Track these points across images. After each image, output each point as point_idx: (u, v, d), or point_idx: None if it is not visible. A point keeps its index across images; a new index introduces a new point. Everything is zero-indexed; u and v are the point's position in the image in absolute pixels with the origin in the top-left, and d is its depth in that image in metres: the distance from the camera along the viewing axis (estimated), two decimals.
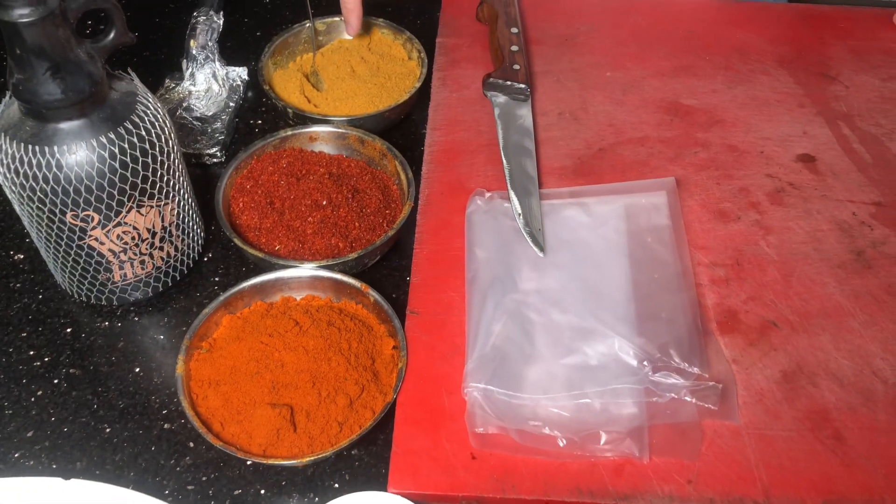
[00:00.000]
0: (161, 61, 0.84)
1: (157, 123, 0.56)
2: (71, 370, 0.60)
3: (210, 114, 0.77)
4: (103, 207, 0.55)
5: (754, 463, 0.51)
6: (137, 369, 0.60)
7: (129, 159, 0.54)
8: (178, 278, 0.64)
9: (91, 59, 0.53)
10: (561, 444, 0.50)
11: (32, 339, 0.61)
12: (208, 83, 0.79)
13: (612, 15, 0.84)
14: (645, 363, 0.53)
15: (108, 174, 0.53)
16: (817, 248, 0.63)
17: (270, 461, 0.51)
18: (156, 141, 0.56)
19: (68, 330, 0.62)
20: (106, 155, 0.53)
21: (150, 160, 0.55)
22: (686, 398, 0.52)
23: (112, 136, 0.53)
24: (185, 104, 0.78)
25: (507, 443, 0.51)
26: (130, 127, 0.54)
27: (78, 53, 0.51)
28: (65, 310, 0.63)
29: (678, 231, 0.62)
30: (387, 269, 0.65)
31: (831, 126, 0.73)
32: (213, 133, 0.75)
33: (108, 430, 0.57)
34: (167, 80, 0.80)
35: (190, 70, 0.79)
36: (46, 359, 0.60)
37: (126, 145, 0.54)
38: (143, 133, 0.55)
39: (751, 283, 0.61)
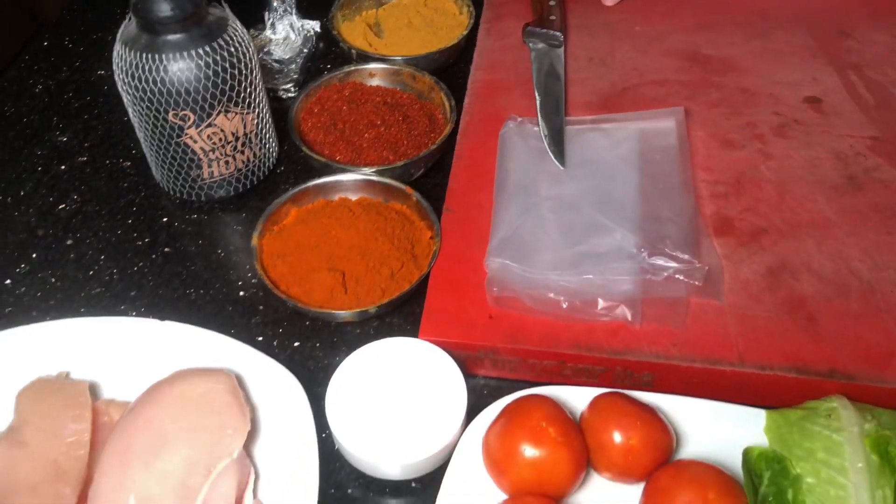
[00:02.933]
0: (248, 11, 0.97)
1: (242, 45, 0.68)
2: (165, 249, 0.72)
3: (286, 57, 0.90)
4: (198, 108, 0.67)
5: (733, 335, 0.59)
6: (219, 251, 0.72)
7: (219, 69, 0.66)
8: (255, 182, 0.76)
9: None
10: (564, 307, 0.60)
11: (136, 225, 0.74)
12: (286, 32, 0.92)
13: None
14: (643, 250, 0.62)
15: (202, 80, 0.66)
16: (813, 172, 0.71)
17: (325, 310, 0.62)
18: (241, 58, 0.68)
19: (164, 219, 0.75)
20: (202, 64, 0.66)
21: (236, 72, 0.68)
22: (677, 276, 0.61)
23: (207, 48, 0.66)
24: (265, 49, 0.90)
25: (519, 306, 0.61)
26: (222, 43, 0.67)
27: None
28: (161, 205, 0.76)
29: (684, 152, 0.71)
30: (429, 182, 0.76)
31: (840, 74, 0.80)
32: (288, 73, 0.87)
33: (193, 295, 0.69)
34: (251, 30, 0.92)
35: (271, 20, 0.91)
36: (147, 240, 0.73)
37: (218, 58, 0.66)
38: (232, 50, 0.67)
39: (747, 198, 0.69)
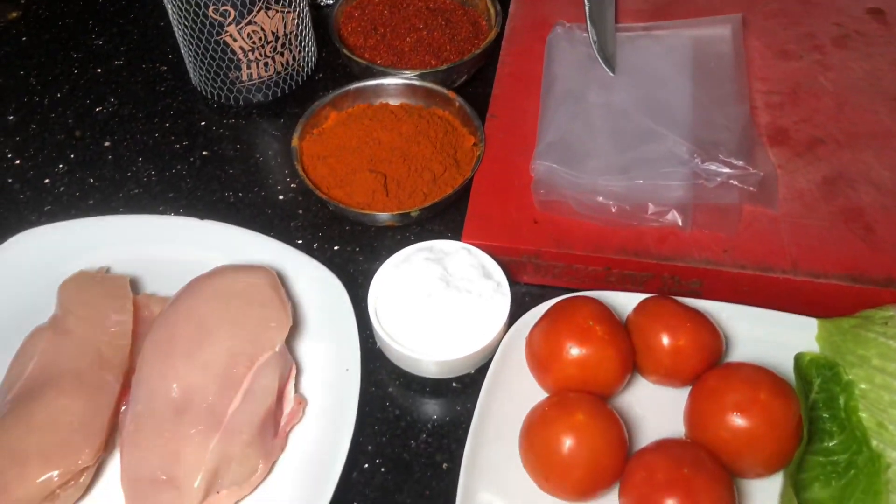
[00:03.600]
0: None
1: None
2: (203, 153, 0.71)
3: None
4: (238, 3, 0.65)
5: (787, 243, 0.57)
6: (258, 155, 0.71)
7: None
8: (294, 87, 0.74)
9: None
10: (613, 211, 0.58)
11: (173, 128, 0.73)
12: None
13: None
14: (696, 156, 0.60)
15: None
16: (874, 84, 0.68)
17: (366, 212, 0.61)
18: None
19: (202, 123, 0.74)
20: None
21: None
22: (731, 182, 0.59)
23: None
24: None
25: (565, 210, 0.59)
26: None
27: None
28: (199, 109, 0.75)
29: (739, 61, 0.68)
30: (473, 89, 0.74)
31: None
32: None
33: (232, 198, 0.68)
34: None
35: None
36: (184, 143, 0.72)
37: None
38: None
39: (804, 108, 0.66)
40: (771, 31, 0.73)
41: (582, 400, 0.49)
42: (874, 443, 0.48)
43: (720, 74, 0.67)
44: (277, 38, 0.69)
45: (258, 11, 0.66)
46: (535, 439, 0.48)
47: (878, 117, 0.65)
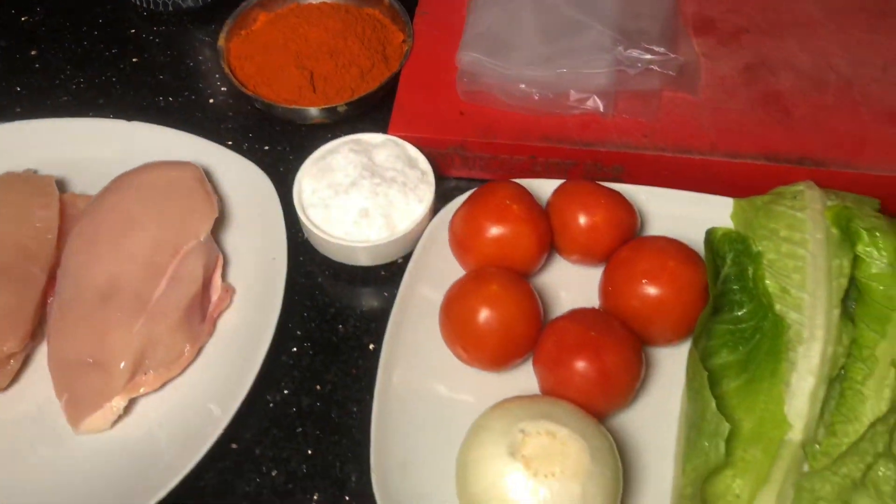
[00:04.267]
0: None
1: None
2: (133, 59, 0.71)
3: None
4: None
5: (706, 126, 0.58)
6: (188, 61, 0.70)
7: None
8: None
9: None
10: (535, 98, 0.59)
11: (102, 36, 0.72)
12: None
13: None
14: (619, 44, 0.60)
15: None
16: None
17: (293, 107, 0.61)
18: None
19: (131, 31, 0.73)
20: None
21: None
22: (651, 68, 0.59)
23: None
24: None
25: (490, 100, 0.60)
26: None
27: None
28: (128, 17, 0.74)
29: None
30: None
31: None
32: None
33: (162, 102, 0.68)
34: None
35: None
36: (114, 50, 0.71)
37: None
38: None
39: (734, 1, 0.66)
40: None
41: (497, 273, 0.50)
42: (777, 307, 0.50)
43: None
44: None
45: None
46: (453, 312, 0.49)
47: (803, 6, 0.65)
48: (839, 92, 0.60)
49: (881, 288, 0.48)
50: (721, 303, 0.51)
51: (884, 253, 0.49)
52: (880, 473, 0.41)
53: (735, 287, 0.52)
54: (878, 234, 0.49)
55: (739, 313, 0.51)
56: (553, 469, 0.41)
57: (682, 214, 0.56)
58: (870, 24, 0.64)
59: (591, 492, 0.40)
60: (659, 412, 0.49)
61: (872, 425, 0.42)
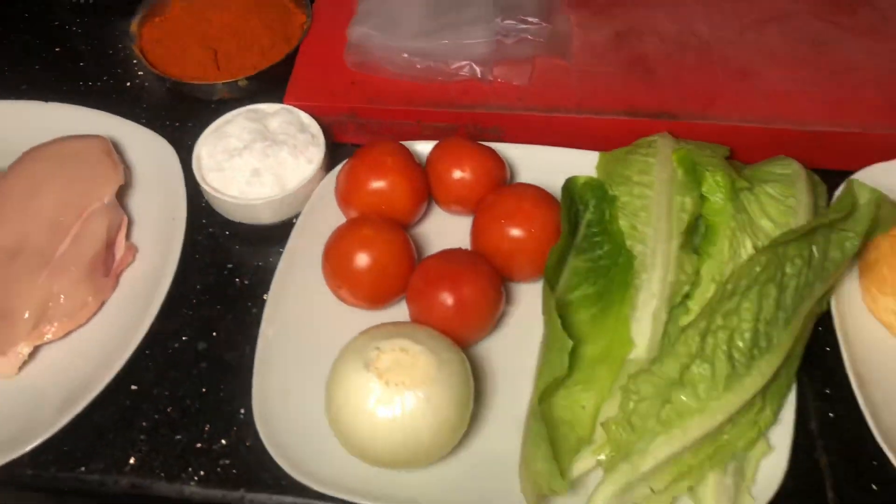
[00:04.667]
0: None
1: None
2: (56, 49, 0.75)
3: None
4: None
5: (575, 88, 0.64)
6: (109, 50, 0.75)
7: None
8: None
9: None
10: (418, 67, 0.64)
11: (28, 29, 0.77)
12: None
13: None
14: (498, 17, 0.66)
15: None
16: None
17: (197, 82, 0.66)
18: None
19: (55, 23, 0.78)
20: None
21: None
22: (526, 37, 0.65)
23: None
24: None
25: (380, 70, 0.65)
26: None
27: None
28: (54, 11, 0.79)
29: None
30: None
31: None
32: None
33: (83, 87, 0.72)
34: None
35: None
36: (38, 42, 0.76)
37: None
38: None
39: None
40: None
41: (370, 220, 0.55)
42: (628, 243, 0.55)
43: None
44: None
45: None
46: (331, 256, 0.54)
47: None
48: (698, 53, 0.65)
49: (715, 219, 0.53)
50: (585, 244, 0.56)
51: (720, 190, 0.54)
52: (695, 372, 0.45)
53: (595, 230, 0.57)
54: (717, 174, 0.55)
55: (599, 252, 0.56)
56: (403, 379, 0.45)
57: (552, 168, 0.61)
58: None
59: (436, 397, 0.45)
60: (521, 340, 0.54)
61: (684, 329, 0.47)
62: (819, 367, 0.53)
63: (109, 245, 0.58)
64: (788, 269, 0.48)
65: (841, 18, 0.67)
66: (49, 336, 0.54)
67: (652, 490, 0.45)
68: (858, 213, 0.52)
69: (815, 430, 0.51)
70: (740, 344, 0.46)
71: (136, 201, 0.62)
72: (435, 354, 0.46)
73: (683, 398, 0.46)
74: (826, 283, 0.51)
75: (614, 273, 0.54)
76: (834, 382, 0.52)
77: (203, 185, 0.59)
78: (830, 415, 0.52)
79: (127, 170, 0.62)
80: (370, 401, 0.45)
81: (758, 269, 0.47)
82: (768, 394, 0.48)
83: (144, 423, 0.53)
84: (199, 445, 0.52)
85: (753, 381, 0.46)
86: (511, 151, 0.62)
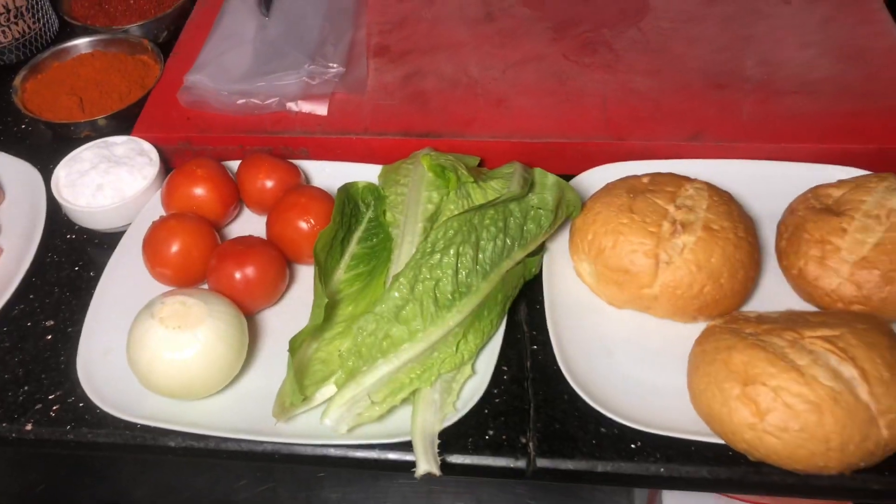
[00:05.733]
0: None
1: None
2: None
3: None
4: None
5: (365, 116, 0.80)
6: (5, 116, 0.91)
7: None
8: (40, 49, 0.94)
9: None
10: (239, 103, 0.80)
11: None
12: None
13: None
14: (308, 65, 0.82)
15: None
16: (461, 14, 0.91)
17: (66, 121, 0.81)
18: None
19: None
20: None
21: None
22: (326, 79, 0.81)
23: None
24: None
25: (210, 107, 0.80)
26: None
27: None
28: None
29: (360, 1, 0.91)
30: (173, 42, 0.95)
31: None
32: None
33: None
34: None
35: None
36: None
37: None
38: None
39: (405, 32, 0.89)
40: None
41: (180, 215, 0.69)
42: (391, 230, 0.70)
43: (344, 11, 0.90)
44: (10, 10, 0.90)
45: None
46: (148, 242, 0.68)
47: (456, 34, 0.88)
48: (466, 88, 0.82)
49: (449, 205, 0.68)
50: (365, 235, 0.70)
51: (453, 184, 0.69)
52: (407, 310, 0.60)
53: (373, 224, 0.72)
54: (455, 173, 0.70)
55: (374, 241, 0.71)
56: (179, 323, 0.59)
57: (347, 178, 0.76)
58: (499, 41, 0.87)
59: (205, 335, 0.59)
60: (302, 309, 0.67)
61: (396, 278, 0.61)
62: (535, 317, 0.68)
63: None
64: (484, 235, 0.63)
65: (583, 58, 0.85)
66: None
67: (372, 401, 0.59)
68: (545, 195, 0.67)
69: (528, 365, 0.66)
70: (444, 289, 0.61)
71: (7, 213, 0.76)
72: (207, 305, 0.60)
73: (396, 332, 0.60)
74: (525, 248, 0.66)
75: (381, 254, 0.69)
76: (544, 329, 0.67)
77: (58, 198, 0.74)
78: (537, 351, 0.66)
79: (0, 189, 0.77)
80: (153, 341, 0.59)
81: (451, 232, 0.62)
82: (470, 330, 0.62)
83: None
84: (37, 396, 0.65)
85: (453, 317, 0.61)
86: (313, 166, 0.78)
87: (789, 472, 0.57)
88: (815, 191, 0.70)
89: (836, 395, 0.54)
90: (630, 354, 0.65)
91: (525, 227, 0.66)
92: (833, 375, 0.55)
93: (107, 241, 0.76)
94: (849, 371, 0.55)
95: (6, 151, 0.81)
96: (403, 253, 0.67)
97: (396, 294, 0.60)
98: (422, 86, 0.83)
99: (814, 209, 0.68)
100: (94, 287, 0.71)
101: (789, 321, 0.60)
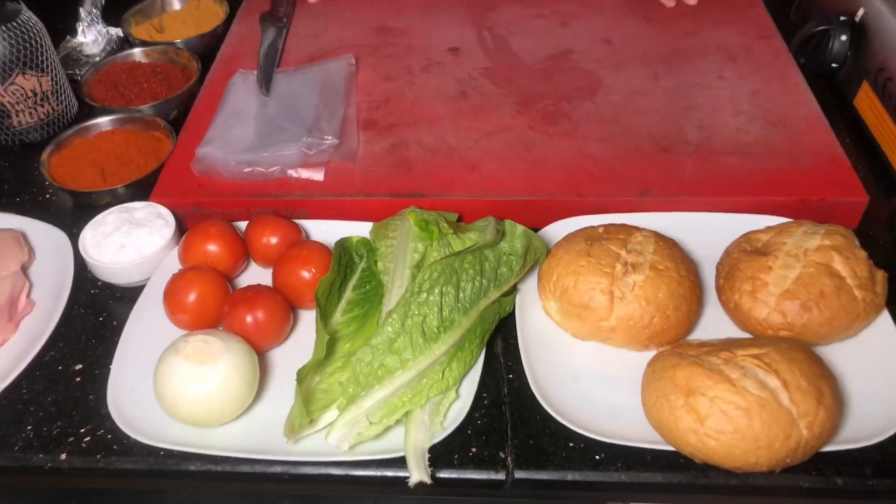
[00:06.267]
0: (66, 21, 1.28)
1: (33, 27, 0.99)
2: None
3: (94, 52, 1.20)
4: (0, 72, 0.97)
5: (357, 180, 0.91)
6: (29, 176, 1.01)
7: (14, 42, 0.97)
8: (62, 128, 1.05)
9: None
10: (245, 171, 0.91)
11: None
12: (95, 36, 1.22)
13: None
14: (305, 137, 0.94)
15: (2, 49, 0.96)
16: (439, 90, 1.04)
17: (88, 190, 0.91)
18: (32, 35, 0.98)
19: None
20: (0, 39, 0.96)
21: (27, 45, 0.98)
22: (322, 149, 0.92)
23: (4, 27, 0.96)
24: (79, 48, 1.21)
25: (218, 176, 0.91)
26: (15, 25, 0.97)
27: None
28: None
29: (349, 81, 1.04)
30: (182, 119, 1.06)
31: (478, 32, 1.15)
32: (90, 59, 1.18)
33: (6, 203, 0.97)
34: (69, 36, 1.23)
35: (81, 28, 1.22)
36: None
37: (11, 35, 0.97)
38: (24, 30, 0.98)
39: (391, 108, 1.01)
40: (382, 65, 1.09)
41: (196, 268, 0.79)
42: (382, 277, 0.80)
43: (336, 90, 1.02)
44: (37, 94, 1.01)
45: (17, 76, 0.98)
46: (168, 291, 0.78)
47: (436, 109, 1.01)
48: (445, 155, 0.94)
49: (432, 253, 0.79)
50: (359, 283, 0.80)
51: (436, 238, 0.80)
52: (399, 343, 0.69)
53: (366, 273, 0.82)
54: (437, 226, 0.81)
55: (367, 287, 0.81)
56: (201, 358, 0.68)
57: (342, 234, 0.86)
58: (473, 115, 0.99)
59: (224, 368, 0.68)
60: (305, 349, 0.76)
61: (390, 314, 0.71)
62: (510, 350, 0.78)
63: (13, 301, 0.80)
64: (464, 277, 0.73)
65: (547, 128, 0.97)
66: None
67: (370, 421, 0.68)
68: (515, 243, 0.78)
69: (505, 391, 0.75)
70: (430, 324, 0.71)
71: (39, 271, 0.86)
72: (225, 343, 0.69)
73: (390, 361, 0.69)
74: (500, 289, 0.76)
75: (374, 299, 0.79)
76: (518, 360, 0.76)
77: (85, 257, 0.84)
78: (512, 379, 0.76)
79: (31, 251, 0.86)
80: (178, 374, 0.67)
81: (436, 274, 0.72)
82: (454, 359, 0.71)
83: (31, 419, 0.74)
84: (69, 430, 0.73)
85: (439, 348, 0.70)
86: (312, 224, 0.88)
87: (731, 473, 0.67)
88: (747, 236, 0.82)
89: (762, 401, 0.64)
90: (593, 379, 0.75)
91: (499, 271, 0.76)
92: (760, 386, 0.65)
93: (127, 295, 0.85)
94: (773, 382, 0.65)
95: (35, 217, 0.91)
96: (394, 296, 0.77)
97: (389, 329, 0.70)
98: (406, 154, 0.94)
99: (745, 251, 0.80)
100: (117, 335, 0.80)
101: (726, 345, 0.71)
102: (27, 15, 1.00)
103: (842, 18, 1.04)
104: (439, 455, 0.69)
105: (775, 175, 0.90)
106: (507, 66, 1.08)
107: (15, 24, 0.97)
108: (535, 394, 0.72)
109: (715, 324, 0.80)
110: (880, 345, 0.76)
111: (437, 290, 0.72)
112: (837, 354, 0.76)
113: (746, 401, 0.64)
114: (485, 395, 0.75)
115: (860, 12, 1.03)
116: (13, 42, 0.97)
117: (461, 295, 0.73)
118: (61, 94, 1.05)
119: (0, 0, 0.97)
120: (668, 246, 0.79)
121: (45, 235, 0.89)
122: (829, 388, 0.67)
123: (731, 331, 0.79)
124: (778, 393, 0.65)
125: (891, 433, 0.68)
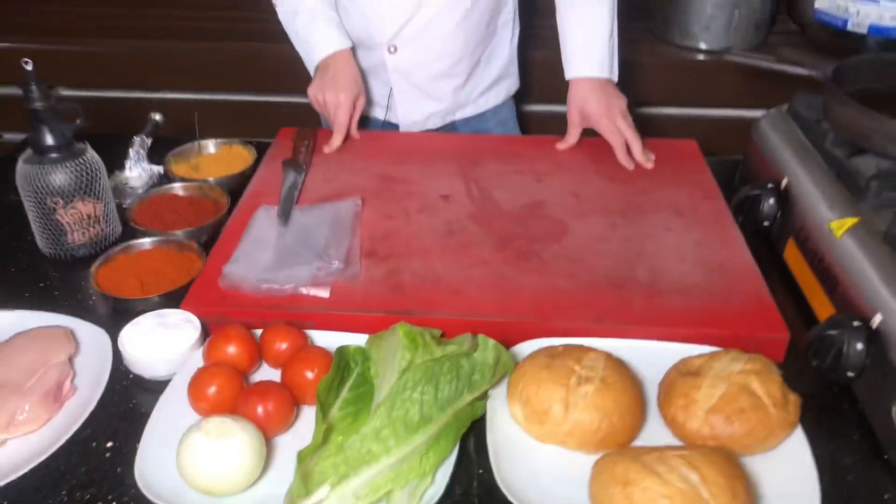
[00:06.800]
0: (117, 158, 1.49)
1: (93, 163, 1.19)
2: (41, 285, 1.17)
3: (138, 185, 1.41)
4: (63, 197, 1.16)
5: (359, 298, 1.07)
6: (78, 284, 1.17)
7: (78, 175, 1.16)
8: (108, 247, 1.22)
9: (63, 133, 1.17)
10: (264, 287, 1.07)
11: (23, 275, 1.19)
12: (139, 171, 1.43)
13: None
14: (317, 262, 1.11)
15: (68, 181, 1.15)
16: (430, 229, 1.23)
17: (128, 298, 1.07)
18: (92, 170, 1.18)
19: (41, 270, 1.20)
20: (69, 172, 1.15)
21: (88, 177, 1.17)
22: (331, 271, 1.10)
23: (70, 164, 1.16)
24: (126, 182, 1.41)
25: (241, 289, 1.08)
26: (80, 161, 1.17)
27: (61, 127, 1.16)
28: (42, 265, 1.22)
29: (355, 217, 1.23)
30: (213, 242, 1.24)
31: (466, 183, 1.35)
32: (135, 191, 1.38)
33: (58, 307, 1.12)
34: (116, 171, 1.44)
35: (129, 165, 1.43)
36: (41, 285, 1.18)
37: (77, 169, 1.16)
38: (87, 165, 1.18)
39: (390, 242, 1.20)
40: (384, 207, 1.28)
41: (217, 365, 0.94)
42: (374, 380, 0.94)
43: (343, 225, 1.21)
44: (90, 217, 1.20)
45: (77, 202, 1.17)
46: (192, 384, 0.92)
47: (426, 244, 1.19)
48: (432, 281, 1.11)
49: (417, 360, 0.94)
50: (354, 385, 0.95)
51: (420, 346, 0.95)
52: (385, 433, 0.83)
53: (361, 377, 0.96)
54: (422, 338, 0.96)
55: (361, 389, 0.95)
56: (219, 434, 0.81)
57: (342, 343, 1.01)
58: (458, 250, 1.17)
59: (238, 444, 0.81)
60: (306, 435, 0.90)
61: (377, 408, 0.85)
62: (481, 448, 0.91)
63: (59, 385, 0.94)
64: (442, 379, 0.88)
65: (520, 264, 1.15)
66: (15, 433, 0.88)
67: (357, 497, 0.80)
68: (487, 355, 0.93)
69: (475, 483, 0.87)
70: (412, 418, 0.84)
71: (82, 363, 1.00)
72: (239, 424, 0.83)
73: (376, 448, 0.82)
74: (473, 392, 0.90)
75: (366, 399, 0.93)
76: (487, 457, 0.89)
77: (123, 352, 0.98)
78: (482, 474, 0.88)
79: (77, 345, 1.01)
80: (199, 448, 0.81)
81: (418, 375, 0.87)
82: (431, 449, 0.85)
83: (66, 486, 0.86)
84: (98, 496, 0.85)
85: (419, 438, 0.84)
86: (317, 334, 1.03)
87: None
88: (684, 361, 0.97)
89: (684, 492, 0.77)
90: (552, 476, 0.88)
91: (472, 377, 0.91)
92: (683, 479, 0.78)
93: (154, 387, 0.99)
94: (694, 477, 0.79)
95: (82, 318, 1.06)
96: (383, 394, 0.91)
97: (377, 421, 0.84)
98: (400, 279, 1.11)
99: (681, 373, 0.95)
100: (145, 420, 0.93)
101: (661, 448, 0.84)
102: (91, 153, 1.20)
103: (769, 185, 1.25)
104: None
105: (712, 313, 1.06)
106: (489, 212, 1.27)
107: (81, 160, 1.17)
108: (501, 488, 0.84)
109: (656, 435, 0.94)
110: (793, 457, 0.90)
111: (419, 389, 0.86)
112: (759, 464, 0.89)
113: (671, 491, 0.77)
114: (457, 486, 0.87)
115: (784, 181, 1.24)
116: (78, 174, 1.16)
117: (439, 395, 0.87)
118: (109, 218, 1.23)
119: (72, 140, 1.17)
120: (617, 364, 0.94)
121: (89, 333, 1.04)
122: (743, 488, 0.80)
123: (669, 440, 0.93)
124: (699, 486, 0.78)
125: None
